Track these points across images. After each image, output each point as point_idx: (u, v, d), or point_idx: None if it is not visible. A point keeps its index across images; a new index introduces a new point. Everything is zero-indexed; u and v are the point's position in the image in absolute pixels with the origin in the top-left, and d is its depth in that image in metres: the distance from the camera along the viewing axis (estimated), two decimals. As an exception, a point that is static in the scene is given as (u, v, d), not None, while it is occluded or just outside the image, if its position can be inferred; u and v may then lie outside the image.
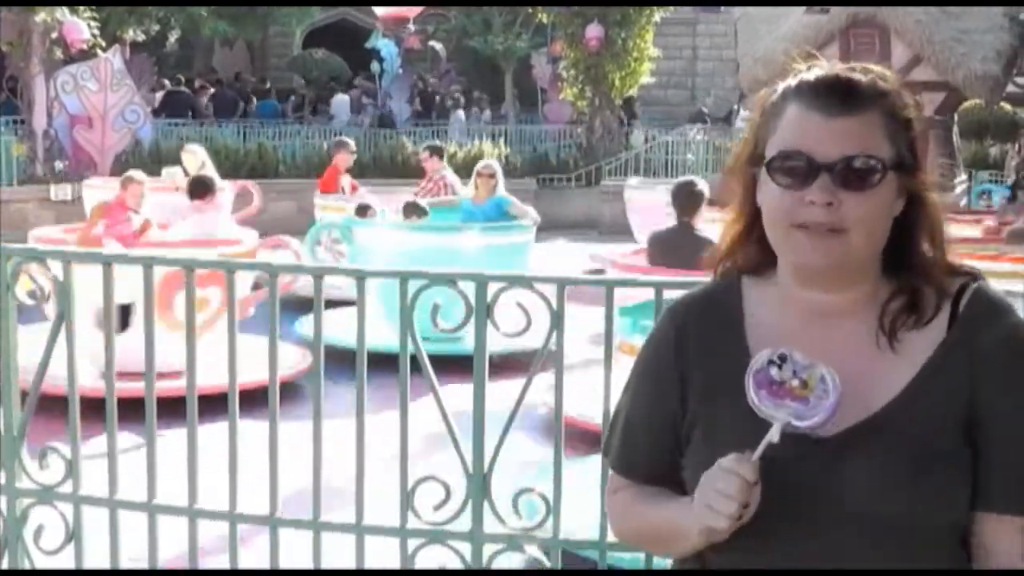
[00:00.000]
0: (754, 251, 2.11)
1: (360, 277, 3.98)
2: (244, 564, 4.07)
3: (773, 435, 1.90)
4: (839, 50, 22.28)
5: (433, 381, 3.88)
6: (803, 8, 16.18)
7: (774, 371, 1.93)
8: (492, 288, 3.82)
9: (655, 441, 2.11)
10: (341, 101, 30.83)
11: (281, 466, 4.01)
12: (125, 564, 4.09)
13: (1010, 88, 24.32)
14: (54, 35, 18.97)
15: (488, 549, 3.86)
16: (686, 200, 7.84)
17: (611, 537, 3.78)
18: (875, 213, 1.96)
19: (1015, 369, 1.98)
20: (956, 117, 21.32)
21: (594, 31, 24.01)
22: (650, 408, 2.13)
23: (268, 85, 33.27)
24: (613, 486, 2.20)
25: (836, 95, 1.96)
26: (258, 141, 24.01)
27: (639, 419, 2.15)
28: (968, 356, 1.99)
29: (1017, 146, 23.90)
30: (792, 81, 2.02)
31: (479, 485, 3.83)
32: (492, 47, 33.11)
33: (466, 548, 3.87)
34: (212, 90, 30.86)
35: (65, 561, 4.11)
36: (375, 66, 32.14)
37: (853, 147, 1.93)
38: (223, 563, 4.14)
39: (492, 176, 12.02)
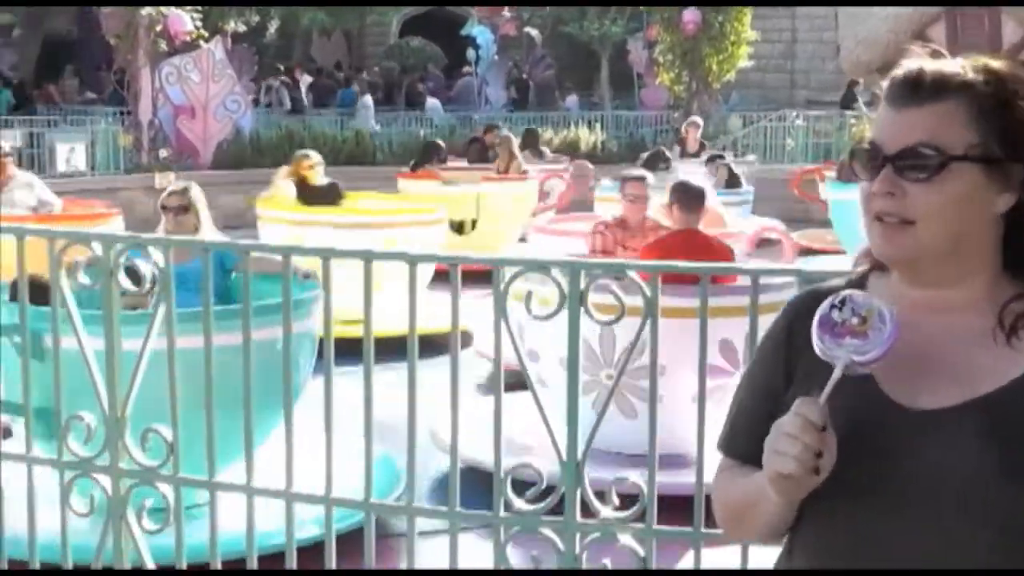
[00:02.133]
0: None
1: (453, 264, 3.97)
2: (340, 548, 4.08)
3: (836, 373, 1.90)
4: (945, 29, 21.94)
5: (525, 367, 3.88)
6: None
7: (835, 314, 1.93)
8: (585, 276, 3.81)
9: (755, 421, 2.09)
10: (433, 105, 30.81)
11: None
12: (222, 545, 4.13)
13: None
14: (159, 28, 19.22)
15: (581, 538, 3.84)
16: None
17: (705, 528, 3.78)
18: (944, 205, 1.92)
19: None
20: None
21: (691, 15, 23.86)
22: (755, 392, 2.16)
23: (364, 74, 33.45)
24: (719, 466, 2.21)
25: (907, 87, 1.96)
26: (355, 129, 24.14)
27: (745, 402, 2.18)
28: None
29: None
30: (886, 81, 2.02)
31: (573, 472, 3.81)
32: (587, 33, 33.00)
33: (559, 536, 3.85)
34: (310, 79, 31.14)
35: (166, 540, 4.17)
36: (471, 53, 32.22)
37: (914, 137, 1.92)
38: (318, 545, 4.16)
39: None
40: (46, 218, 9.92)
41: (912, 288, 2.02)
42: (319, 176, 11.86)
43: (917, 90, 1.95)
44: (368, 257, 3.98)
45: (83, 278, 4.06)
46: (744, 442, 2.13)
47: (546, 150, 19.67)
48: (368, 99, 28.28)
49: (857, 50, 23.26)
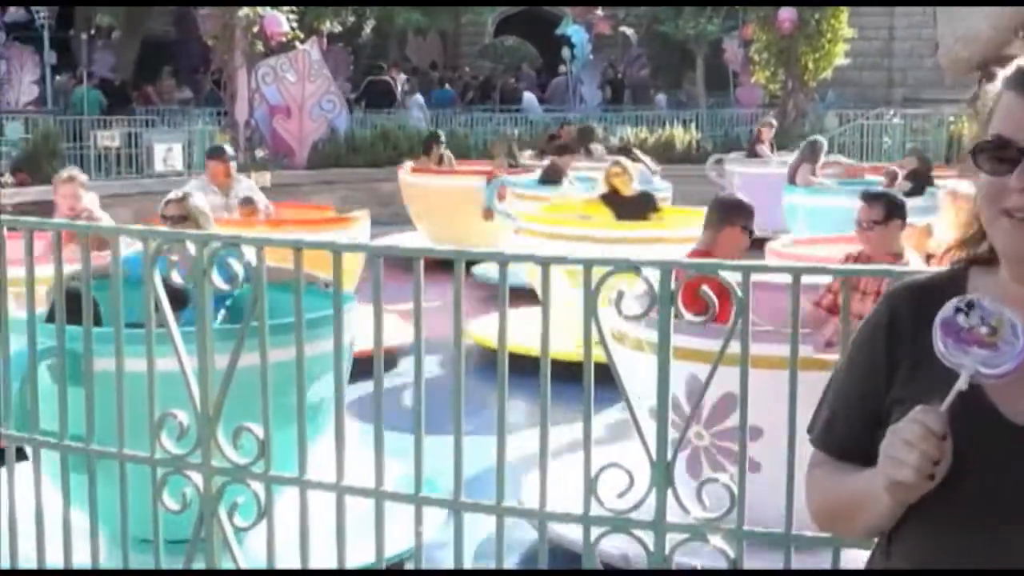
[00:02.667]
0: (985, 242, 2.06)
1: (544, 263, 3.97)
2: (428, 546, 4.09)
3: (961, 383, 1.86)
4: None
5: (615, 368, 3.86)
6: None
7: (961, 318, 1.88)
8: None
9: (856, 418, 2.09)
10: (529, 99, 30.87)
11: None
12: (315, 544, 4.15)
13: None
14: (255, 29, 19.43)
15: (671, 538, 3.82)
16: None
17: (797, 530, 3.74)
18: None
19: None
20: None
21: (787, 13, 23.72)
22: (856, 385, 2.12)
23: (457, 73, 33.61)
24: (813, 461, 2.19)
25: None
26: (449, 128, 24.24)
27: (844, 395, 2.14)
28: None
29: None
30: (1009, 70, 1.99)
31: (663, 473, 3.79)
32: (683, 32, 32.78)
33: (649, 537, 3.83)
34: (406, 77, 31.30)
35: (257, 537, 4.21)
36: (566, 52, 32.21)
37: None
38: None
39: None
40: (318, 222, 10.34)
41: (1019, 286, 1.98)
42: (629, 185, 11.29)
43: None
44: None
45: (177, 277, 4.10)
46: (842, 438, 2.12)
47: (598, 148, 18.89)
48: (419, 98, 28.17)
49: (956, 47, 22.98)
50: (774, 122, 20.35)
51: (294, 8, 20.61)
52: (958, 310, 1.89)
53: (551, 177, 14.74)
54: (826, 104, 28.72)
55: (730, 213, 6.90)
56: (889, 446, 1.87)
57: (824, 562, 3.84)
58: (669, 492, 3.79)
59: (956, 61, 23.22)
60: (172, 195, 7.09)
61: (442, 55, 38.45)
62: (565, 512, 3.96)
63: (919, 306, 2.04)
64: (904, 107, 27.41)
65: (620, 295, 3.76)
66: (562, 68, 32.66)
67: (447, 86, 32.31)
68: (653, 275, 3.74)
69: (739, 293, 3.68)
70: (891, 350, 2.06)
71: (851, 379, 2.13)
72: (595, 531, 3.89)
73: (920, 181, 14.00)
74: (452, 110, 28.87)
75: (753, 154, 19.55)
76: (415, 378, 4.02)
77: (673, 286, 3.73)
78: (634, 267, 3.82)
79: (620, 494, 3.80)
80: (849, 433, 2.10)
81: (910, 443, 1.83)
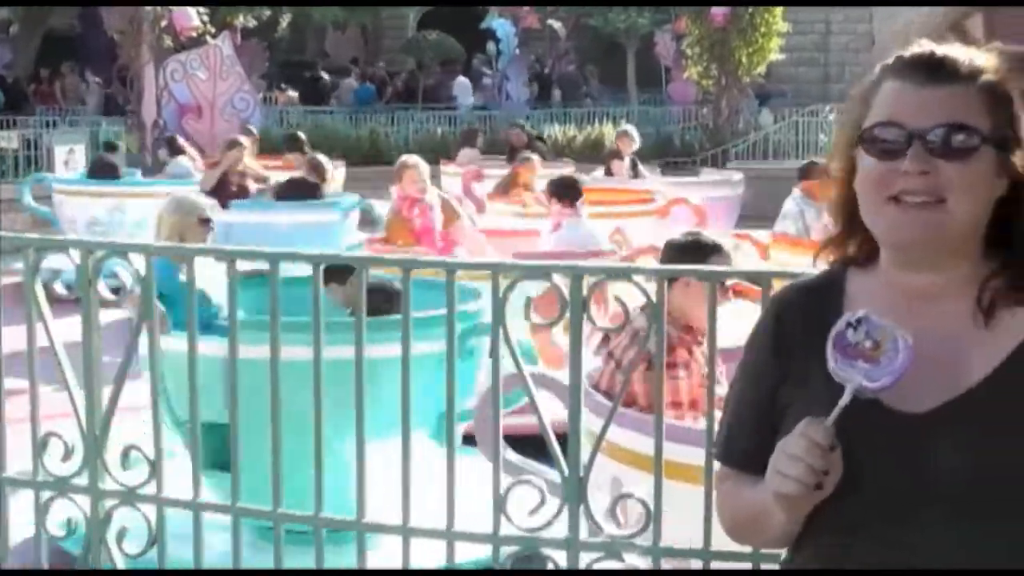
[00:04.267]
0: (860, 242, 2.15)
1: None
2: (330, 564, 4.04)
3: (845, 397, 1.95)
4: (983, 21, 21.86)
5: (528, 380, 3.83)
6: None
7: (850, 333, 1.97)
8: (588, 281, 3.76)
9: (755, 428, 2.16)
10: (463, 83, 30.94)
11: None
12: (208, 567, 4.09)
13: None
14: (163, 23, 19.24)
15: (585, 557, 3.79)
16: None
17: (715, 545, 3.72)
18: (974, 184, 2.00)
19: None
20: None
21: (720, 8, 23.77)
22: (749, 394, 2.20)
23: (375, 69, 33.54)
24: (720, 476, 2.26)
25: (929, 67, 2.03)
26: (370, 127, 24.17)
27: (740, 407, 2.22)
28: None
29: None
30: (887, 61, 2.09)
31: (575, 489, 3.77)
32: (613, 25, 32.92)
33: (562, 556, 3.81)
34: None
35: (148, 564, 4.13)
36: (491, 47, 32.21)
37: (947, 115, 1.99)
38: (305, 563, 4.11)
39: None
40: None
41: (907, 275, 2.08)
42: None
43: (937, 71, 2.02)
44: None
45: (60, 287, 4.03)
46: (743, 450, 2.19)
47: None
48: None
49: (890, 39, 23.17)
50: (632, 132, 17.61)
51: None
52: (848, 325, 1.98)
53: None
54: (765, 102, 28.84)
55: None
56: (776, 460, 1.96)
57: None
58: (582, 509, 3.77)
59: (891, 53, 23.45)
60: None
61: (363, 50, 38.30)
62: (473, 531, 3.92)
63: (805, 309, 2.16)
64: (841, 104, 27.59)
65: (528, 301, 3.73)
66: (485, 70, 32.63)
67: (367, 83, 32.22)
68: (563, 281, 3.72)
69: (653, 299, 3.68)
70: (779, 354, 2.15)
71: (744, 387, 2.22)
72: (505, 551, 3.85)
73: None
74: (372, 108, 28.78)
75: (609, 172, 16.73)
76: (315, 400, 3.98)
77: (585, 292, 3.71)
78: (544, 272, 3.80)
79: (531, 511, 3.77)
80: (748, 443, 2.17)
81: (795, 457, 1.92)
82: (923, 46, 2.06)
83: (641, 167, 16.81)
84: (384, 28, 39.00)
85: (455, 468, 3.88)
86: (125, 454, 4.04)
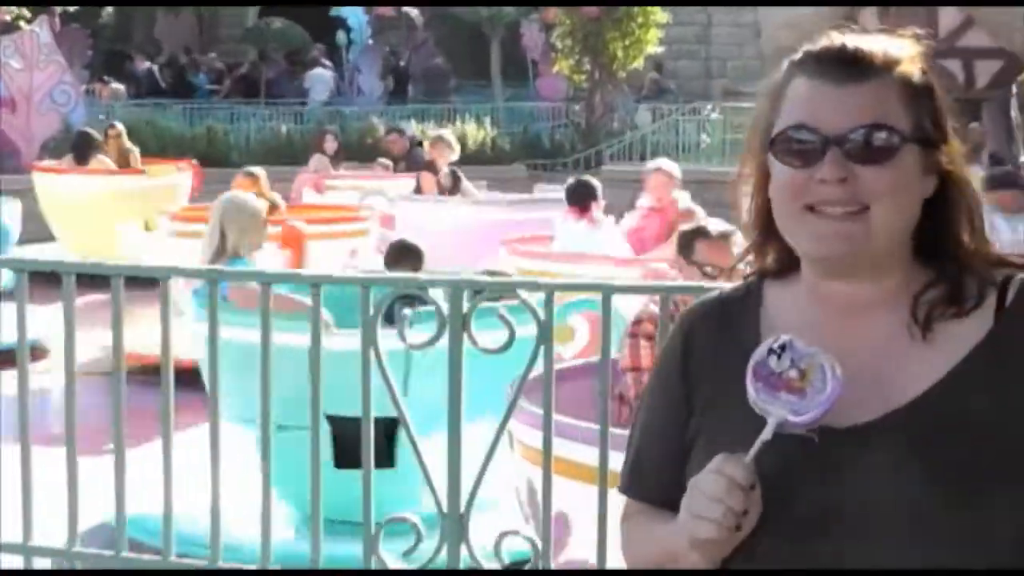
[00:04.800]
0: (777, 252, 2.13)
1: (315, 284, 3.92)
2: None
3: (766, 433, 1.91)
4: (877, 11, 22.33)
5: (402, 408, 3.83)
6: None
7: (773, 361, 1.93)
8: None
9: (660, 458, 2.13)
10: (319, 76, 30.74)
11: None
12: None
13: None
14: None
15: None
16: None
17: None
18: (898, 187, 1.98)
19: None
20: (1015, 89, 21.15)
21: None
22: (657, 419, 2.17)
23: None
24: (625, 512, 2.21)
25: (843, 63, 2.00)
26: (207, 124, 23.95)
27: (647, 432, 2.18)
28: (1020, 351, 2.00)
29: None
30: (796, 56, 2.05)
31: (456, 527, 3.77)
32: (476, 14, 33.03)
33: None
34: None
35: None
36: (341, 37, 32.11)
37: (865, 116, 1.97)
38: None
39: None
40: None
41: (831, 285, 2.06)
42: None
43: (850, 67, 2.00)
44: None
45: None
46: (651, 484, 2.15)
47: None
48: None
49: (780, 34, 23.42)
50: (448, 138, 15.64)
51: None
52: (771, 352, 1.94)
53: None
54: (662, 96, 29.06)
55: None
56: (692, 502, 1.92)
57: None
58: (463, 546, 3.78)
59: (780, 49, 23.59)
60: None
61: (197, 38, 37.91)
62: (341, 569, 3.92)
63: (716, 326, 2.14)
64: (724, 100, 28.03)
65: (404, 317, 3.73)
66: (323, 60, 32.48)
67: (202, 74, 31.95)
68: (440, 296, 3.73)
69: (541, 316, 3.69)
70: (688, 376, 2.12)
71: (652, 413, 2.19)
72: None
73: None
74: (209, 103, 28.53)
75: (419, 189, 14.84)
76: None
77: (466, 308, 3.71)
78: (420, 287, 3.80)
79: (406, 552, 3.78)
80: (658, 475, 2.13)
81: (713, 498, 1.89)
82: (833, 39, 2.04)
83: (466, 182, 14.80)
84: (221, 14, 38.59)
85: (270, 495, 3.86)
86: None
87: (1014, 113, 20.13)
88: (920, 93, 2.03)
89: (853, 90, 1.99)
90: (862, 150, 1.97)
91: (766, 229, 2.11)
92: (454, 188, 14.44)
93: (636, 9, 24.45)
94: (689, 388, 2.11)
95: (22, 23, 19.89)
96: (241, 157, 21.75)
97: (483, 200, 14.90)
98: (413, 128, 23.68)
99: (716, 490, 1.89)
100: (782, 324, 2.07)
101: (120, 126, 17.19)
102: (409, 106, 28.80)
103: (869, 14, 22.20)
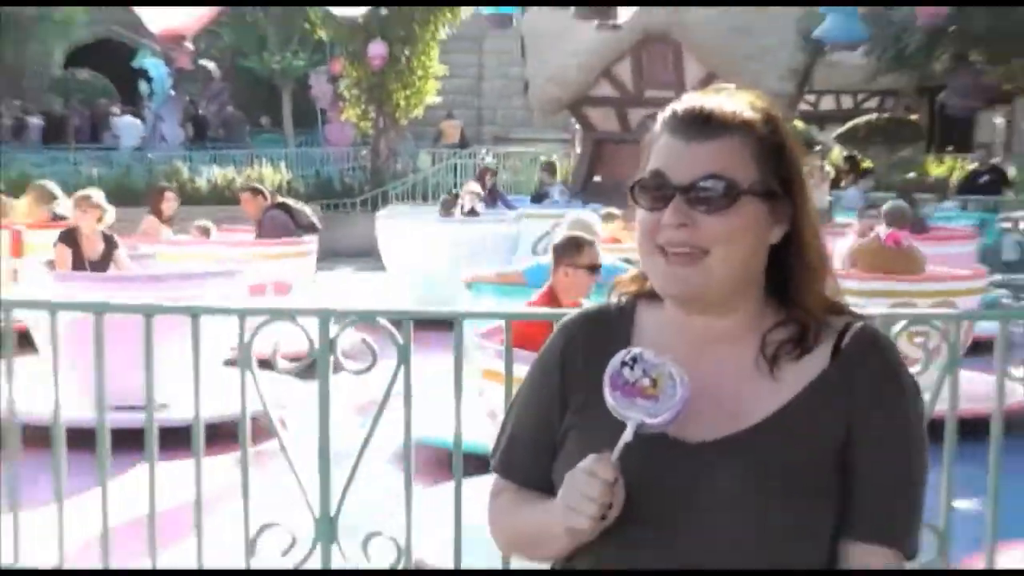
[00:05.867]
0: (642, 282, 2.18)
1: (195, 315, 3.94)
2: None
3: (627, 434, 1.97)
4: (631, 66, 22.75)
5: (272, 420, 3.87)
6: (593, 24, 16.27)
7: (627, 371, 1.99)
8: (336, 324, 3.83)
9: (534, 445, 2.17)
10: (128, 123, 30.11)
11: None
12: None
13: (802, 106, 25.05)
14: None
15: (337, 595, 3.85)
16: None
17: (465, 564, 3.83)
18: (735, 235, 2.02)
19: (887, 398, 2.08)
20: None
21: (377, 48, 23.80)
22: (533, 412, 2.20)
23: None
24: (495, 489, 2.24)
25: (696, 122, 2.04)
26: (20, 168, 23.21)
27: (522, 424, 2.21)
28: (848, 387, 2.07)
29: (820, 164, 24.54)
30: (666, 112, 2.10)
31: (327, 528, 3.81)
32: (268, 66, 32.78)
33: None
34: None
35: None
36: (143, 87, 31.54)
37: (705, 169, 2.00)
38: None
39: None
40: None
41: (688, 316, 2.10)
42: None
43: (704, 125, 2.03)
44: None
45: None
46: (523, 465, 2.19)
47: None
48: None
49: (547, 87, 23.80)
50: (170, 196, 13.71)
51: None
52: (624, 364, 2.00)
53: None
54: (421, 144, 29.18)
55: (561, 253, 6.56)
56: (567, 495, 1.97)
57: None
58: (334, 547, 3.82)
59: (546, 101, 24.05)
60: None
61: (7, 88, 36.74)
62: (223, 569, 3.93)
63: (591, 337, 2.17)
64: (495, 146, 28.27)
65: (275, 350, 3.77)
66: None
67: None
68: (311, 324, 3.78)
69: (400, 340, 3.77)
70: (564, 378, 2.15)
71: (529, 406, 2.22)
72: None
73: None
74: (23, 146, 27.70)
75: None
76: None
77: (333, 334, 3.77)
78: (290, 316, 3.85)
79: (284, 552, 3.80)
80: (530, 460, 2.18)
81: (585, 495, 1.95)
82: (693, 99, 2.07)
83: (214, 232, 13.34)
84: (27, 64, 37.41)
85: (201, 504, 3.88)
86: None
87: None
88: (769, 150, 2.05)
89: (701, 146, 2.02)
90: (702, 199, 2.00)
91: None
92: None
93: (416, 62, 24.48)
94: (565, 388, 2.15)
95: None
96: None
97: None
98: (214, 172, 23.45)
99: (588, 490, 1.94)
100: (648, 343, 2.09)
101: None
102: (209, 151, 28.37)
103: (624, 67, 22.76)
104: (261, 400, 3.85)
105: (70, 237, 9.62)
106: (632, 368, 1.99)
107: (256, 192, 12.75)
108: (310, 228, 12.08)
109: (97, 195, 9.90)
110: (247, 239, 12.20)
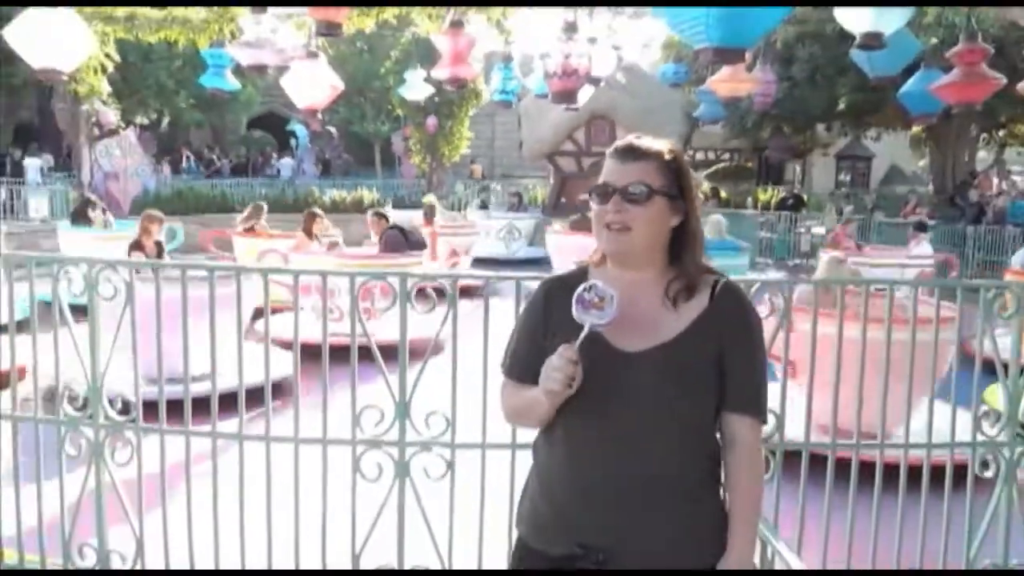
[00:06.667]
0: (601, 253, 2.16)
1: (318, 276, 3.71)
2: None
3: (585, 330, 1.99)
4: (584, 132, 22.78)
5: (371, 340, 3.61)
6: (563, 107, 16.19)
7: (586, 294, 2.00)
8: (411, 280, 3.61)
9: (526, 355, 2.13)
10: (284, 164, 30.16)
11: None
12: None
13: (684, 157, 24.72)
14: (94, 119, 17.89)
15: (408, 451, 3.63)
16: None
17: (490, 439, 3.64)
18: (649, 219, 2.02)
19: (743, 325, 2.07)
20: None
21: (431, 120, 23.58)
22: (526, 336, 2.16)
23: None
24: (503, 383, 2.19)
25: (628, 150, 2.06)
26: (220, 189, 23.00)
27: (519, 341, 2.18)
28: (720, 319, 2.06)
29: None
30: (610, 148, 2.09)
31: (403, 409, 3.63)
32: (367, 129, 32.46)
33: (394, 450, 3.63)
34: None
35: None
36: (293, 142, 31.31)
37: (633, 179, 2.02)
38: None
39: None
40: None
41: (621, 271, 2.10)
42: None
43: (632, 152, 2.04)
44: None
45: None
46: (519, 369, 2.15)
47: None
48: (35, 161, 23.90)
49: (534, 144, 23.76)
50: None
51: (120, 105, 18.99)
52: (584, 289, 2.00)
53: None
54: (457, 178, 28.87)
55: None
56: (546, 368, 1.97)
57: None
58: (407, 420, 3.62)
59: (534, 152, 24.17)
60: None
61: (213, 141, 36.41)
62: (339, 438, 3.70)
63: (561, 288, 2.11)
64: (503, 179, 28.02)
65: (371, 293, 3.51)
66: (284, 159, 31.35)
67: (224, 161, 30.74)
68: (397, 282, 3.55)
69: (448, 291, 3.54)
70: (547, 311, 2.13)
71: (525, 328, 2.17)
72: (359, 448, 3.65)
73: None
74: (219, 178, 27.45)
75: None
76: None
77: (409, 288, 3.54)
78: (382, 276, 3.61)
79: (376, 423, 3.61)
80: (523, 365, 2.12)
81: (557, 367, 1.95)
82: (626, 139, 2.07)
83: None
84: (227, 127, 37.07)
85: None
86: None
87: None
88: (671, 169, 2.05)
89: (630, 165, 2.03)
90: (630, 197, 2.02)
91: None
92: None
93: (455, 129, 24.13)
94: (547, 318, 2.12)
95: (120, 129, 18.84)
96: (242, 209, 20.78)
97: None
98: (334, 193, 23.10)
99: (560, 363, 1.95)
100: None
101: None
102: (330, 180, 28.06)
103: (580, 133, 22.55)
104: (364, 328, 3.61)
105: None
106: (589, 292, 2.00)
107: (380, 216, 11.01)
108: (418, 245, 10.56)
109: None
110: (373, 251, 10.66)
